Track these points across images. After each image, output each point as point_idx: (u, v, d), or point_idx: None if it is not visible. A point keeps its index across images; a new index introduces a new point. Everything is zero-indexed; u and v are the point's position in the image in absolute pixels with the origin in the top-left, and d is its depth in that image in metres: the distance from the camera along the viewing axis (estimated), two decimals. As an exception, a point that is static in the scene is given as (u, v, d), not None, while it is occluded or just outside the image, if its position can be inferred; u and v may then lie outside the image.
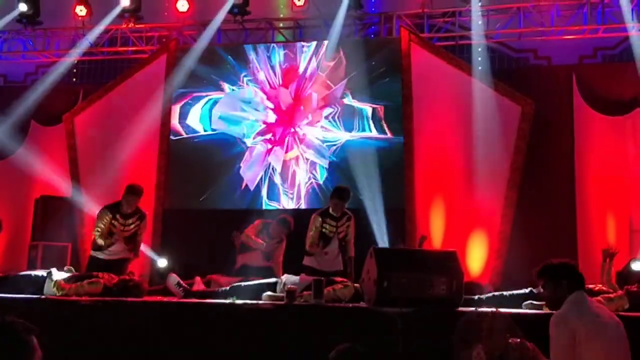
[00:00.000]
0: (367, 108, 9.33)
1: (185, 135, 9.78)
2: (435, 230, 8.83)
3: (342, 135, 9.34)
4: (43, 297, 5.98)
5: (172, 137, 9.76)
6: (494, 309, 4.04)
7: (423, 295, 5.14)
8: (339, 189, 7.07)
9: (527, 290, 5.96)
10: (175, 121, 9.81)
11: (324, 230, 6.81)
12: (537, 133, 8.81)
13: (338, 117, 9.40)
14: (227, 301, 5.77)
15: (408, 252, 6.70)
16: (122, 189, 8.57)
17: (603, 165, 8.86)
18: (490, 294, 6.18)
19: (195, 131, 9.78)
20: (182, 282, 6.37)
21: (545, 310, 5.41)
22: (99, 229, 6.75)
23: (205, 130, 9.76)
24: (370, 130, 9.26)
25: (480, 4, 9.31)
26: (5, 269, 8.43)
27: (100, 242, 6.73)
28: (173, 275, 6.47)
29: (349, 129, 9.33)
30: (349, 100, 9.41)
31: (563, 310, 3.65)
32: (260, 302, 5.63)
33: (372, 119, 9.28)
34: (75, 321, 5.61)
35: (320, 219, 6.81)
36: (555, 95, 9.19)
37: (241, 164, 9.55)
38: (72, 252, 9.52)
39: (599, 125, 8.99)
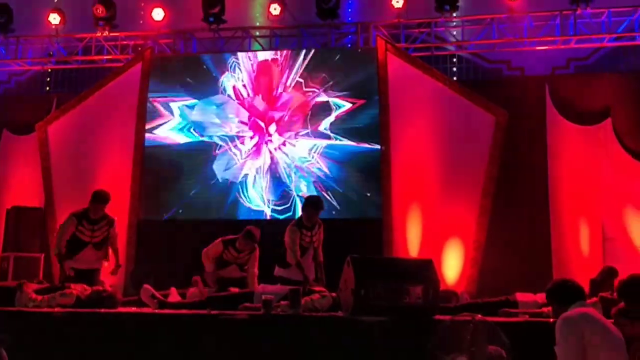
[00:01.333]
0: (344, 117, 9.35)
1: (159, 144, 9.69)
2: (412, 239, 8.86)
3: (319, 142, 9.34)
4: (14, 309, 5.86)
5: (146, 147, 9.65)
6: (474, 317, 4.05)
7: (400, 304, 5.15)
8: (312, 200, 7.04)
9: (502, 298, 6.01)
10: (149, 130, 9.72)
11: (301, 242, 6.75)
12: (511, 143, 8.90)
13: (314, 126, 9.40)
14: (203, 312, 5.71)
15: (385, 261, 6.71)
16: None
17: (576, 174, 8.97)
18: (466, 302, 6.22)
19: (169, 140, 9.71)
20: (156, 293, 6.30)
21: (521, 318, 5.47)
22: (59, 237, 6.68)
23: (180, 139, 9.70)
24: (347, 140, 9.27)
25: (455, 14, 9.42)
26: (-25, 281, 8.26)
27: (57, 251, 6.66)
28: (147, 286, 6.40)
29: (325, 138, 9.34)
30: (325, 109, 9.43)
31: (568, 314, 3.68)
32: (237, 312, 5.58)
33: (349, 128, 9.30)
34: (48, 333, 5.51)
35: (298, 231, 6.74)
36: (529, 105, 9.32)
37: (216, 173, 9.50)
38: (44, 263, 9.36)
39: (572, 135, 9.12)
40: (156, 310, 6.03)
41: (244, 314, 5.51)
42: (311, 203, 6.91)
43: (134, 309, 6.15)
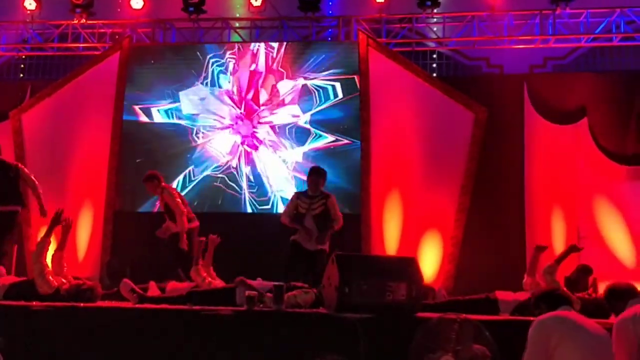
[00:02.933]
0: (324, 111, 9.32)
1: (137, 135, 9.56)
2: (390, 235, 8.90)
3: (299, 136, 9.32)
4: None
5: (124, 138, 9.50)
6: (459, 316, 4.08)
7: (383, 301, 5.17)
8: (312, 168, 7.37)
9: (482, 297, 6.07)
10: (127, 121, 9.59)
11: (298, 208, 7.08)
12: (488, 140, 8.97)
13: (294, 120, 9.37)
14: (185, 307, 5.67)
15: (369, 259, 6.75)
16: (71, 188, 8.44)
17: (552, 173, 9.08)
18: (445, 300, 6.27)
19: (147, 131, 9.59)
20: (135, 287, 6.24)
21: (503, 317, 5.54)
22: None
23: (159, 130, 9.58)
24: (327, 134, 9.26)
25: (436, 11, 9.46)
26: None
27: None
28: (127, 281, 6.33)
29: (306, 132, 9.31)
30: (306, 103, 9.39)
31: (542, 317, 3.87)
32: (219, 307, 5.55)
33: (329, 122, 9.28)
34: (25, 326, 5.42)
35: (296, 198, 7.16)
36: (507, 103, 9.38)
37: (195, 166, 9.42)
38: (17, 254, 9.16)
39: (549, 133, 9.22)
40: (137, 305, 5.98)
41: (227, 309, 5.49)
42: (310, 171, 7.27)
43: (113, 303, 6.09)
